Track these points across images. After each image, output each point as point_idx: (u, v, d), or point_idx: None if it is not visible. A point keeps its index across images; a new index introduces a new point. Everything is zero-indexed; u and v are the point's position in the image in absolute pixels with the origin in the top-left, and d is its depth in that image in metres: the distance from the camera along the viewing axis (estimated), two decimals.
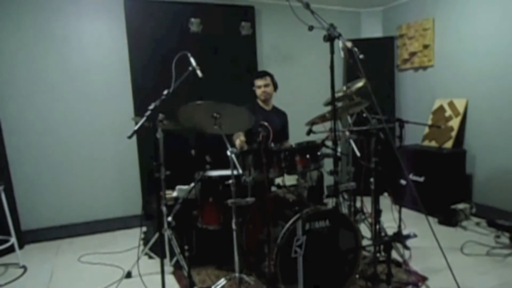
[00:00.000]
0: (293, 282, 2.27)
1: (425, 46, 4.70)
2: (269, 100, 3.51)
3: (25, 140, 3.86)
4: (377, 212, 2.76)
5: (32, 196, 3.91)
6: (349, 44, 1.97)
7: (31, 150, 3.89)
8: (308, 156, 2.58)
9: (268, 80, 3.43)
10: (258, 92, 3.45)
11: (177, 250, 2.93)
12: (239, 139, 3.20)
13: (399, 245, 3.14)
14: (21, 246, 3.57)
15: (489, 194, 4.09)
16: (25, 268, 3.22)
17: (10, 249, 3.27)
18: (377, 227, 2.79)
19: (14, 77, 3.78)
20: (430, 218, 3.56)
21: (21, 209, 3.79)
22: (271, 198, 2.68)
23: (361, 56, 1.96)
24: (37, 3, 3.79)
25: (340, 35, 1.91)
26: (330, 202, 3.09)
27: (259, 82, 3.43)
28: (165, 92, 2.65)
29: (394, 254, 2.97)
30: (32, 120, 3.88)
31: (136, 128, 2.27)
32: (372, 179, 2.96)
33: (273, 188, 3.02)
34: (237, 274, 2.51)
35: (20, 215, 3.76)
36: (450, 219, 3.85)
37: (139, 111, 4.02)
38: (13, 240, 3.19)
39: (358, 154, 3.18)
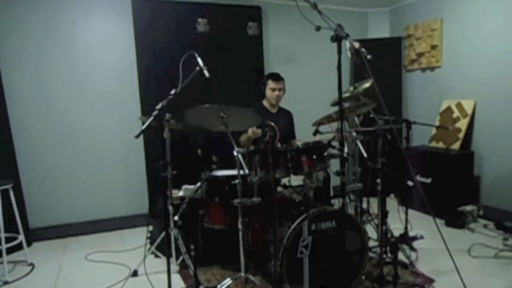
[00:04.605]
0: (299, 282, 2.27)
1: (433, 47, 4.67)
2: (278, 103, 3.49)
3: (34, 140, 3.90)
4: (384, 213, 2.75)
5: (40, 194, 3.95)
6: (356, 45, 1.97)
7: (39, 149, 3.93)
8: (314, 156, 2.57)
9: (281, 84, 3.40)
10: (271, 94, 3.38)
11: (183, 249, 2.94)
12: (252, 129, 3.10)
13: (405, 247, 3.13)
14: (29, 244, 3.61)
15: (497, 196, 4.05)
16: (32, 265, 3.25)
17: (18, 247, 3.29)
18: (384, 228, 2.77)
19: (22, 76, 3.81)
20: (437, 220, 3.52)
21: (29, 207, 3.83)
22: (277, 198, 2.68)
23: (368, 57, 1.95)
24: (45, 3, 3.82)
25: (347, 35, 1.91)
26: (337, 203, 3.09)
27: (274, 85, 3.36)
28: (172, 91, 2.66)
29: (401, 256, 2.96)
30: (40, 119, 3.91)
31: (143, 127, 2.28)
32: (378, 180, 2.95)
33: (279, 189, 3.02)
34: (242, 274, 2.51)
35: (28, 213, 3.81)
36: (457, 221, 3.82)
37: (146, 110, 4.04)
38: (21, 237, 3.22)
39: (365, 154, 3.17)
